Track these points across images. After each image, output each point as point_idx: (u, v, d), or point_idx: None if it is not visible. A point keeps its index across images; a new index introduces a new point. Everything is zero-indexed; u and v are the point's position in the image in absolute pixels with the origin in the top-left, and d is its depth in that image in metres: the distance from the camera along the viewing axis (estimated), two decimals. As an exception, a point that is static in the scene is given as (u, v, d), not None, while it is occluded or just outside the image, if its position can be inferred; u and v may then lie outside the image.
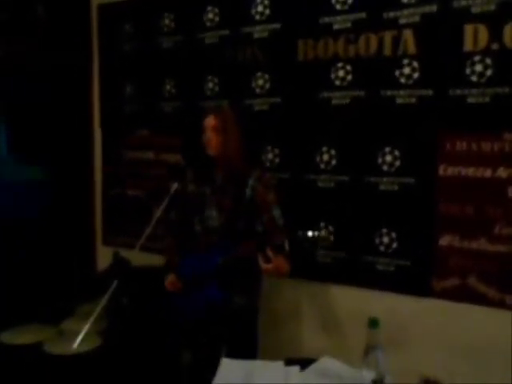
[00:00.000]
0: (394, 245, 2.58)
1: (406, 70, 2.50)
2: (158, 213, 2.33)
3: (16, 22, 3.42)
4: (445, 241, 2.44)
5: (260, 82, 2.96)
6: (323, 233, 2.08)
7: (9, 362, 2.54)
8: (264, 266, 2.05)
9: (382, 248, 2.61)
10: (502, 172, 2.29)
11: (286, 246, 2.00)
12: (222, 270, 2.23)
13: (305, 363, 1.79)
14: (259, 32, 2.94)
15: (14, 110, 3.49)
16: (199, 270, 2.28)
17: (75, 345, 1.97)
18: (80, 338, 1.97)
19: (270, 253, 2.02)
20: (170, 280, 2.38)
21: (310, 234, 1.98)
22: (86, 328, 1.98)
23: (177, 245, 2.51)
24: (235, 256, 2.21)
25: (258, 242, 2.13)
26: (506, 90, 2.26)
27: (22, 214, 3.43)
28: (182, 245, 2.47)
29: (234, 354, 1.90)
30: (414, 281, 2.54)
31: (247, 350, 2.23)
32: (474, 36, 2.31)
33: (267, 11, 2.90)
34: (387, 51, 2.54)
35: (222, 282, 2.25)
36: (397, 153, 2.55)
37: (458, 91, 2.37)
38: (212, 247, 2.30)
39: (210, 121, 2.33)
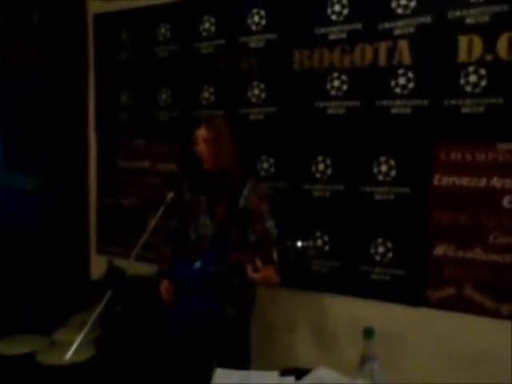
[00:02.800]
0: (390, 254, 2.58)
1: (401, 81, 2.51)
2: (154, 222, 2.32)
3: (11, 30, 3.42)
4: (440, 250, 2.44)
5: (256, 91, 2.97)
6: (312, 242, 2.06)
7: (1, 373, 2.51)
8: (252, 275, 2.02)
9: (377, 257, 2.61)
10: (496, 182, 2.30)
11: (275, 256, 1.97)
12: (213, 279, 2.22)
13: (300, 373, 1.78)
14: (255, 42, 2.95)
15: (8, 118, 3.48)
16: (191, 277, 2.27)
17: (68, 355, 1.94)
18: (73, 348, 1.95)
19: (258, 263, 2.00)
20: (164, 287, 2.37)
21: (298, 244, 1.96)
22: (79, 338, 1.96)
23: (172, 253, 2.50)
24: (227, 265, 2.20)
25: (252, 252, 2.12)
26: (500, 100, 2.28)
27: (15, 223, 3.41)
28: (178, 253, 2.46)
29: (226, 365, 1.87)
30: (409, 290, 2.53)
31: (238, 361, 2.20)
32: (469, 47, 2.33)
33: (263, 21, 2.92)
34: (382, 62, 2.55)
35: (213, 291, 2.23)
36: (392, 162, 2.56)
37: (453, 101, 2.38)
38: (203, 256, 2.29)
39: (202, 132, 2.32)
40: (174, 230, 2.52)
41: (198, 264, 2.24)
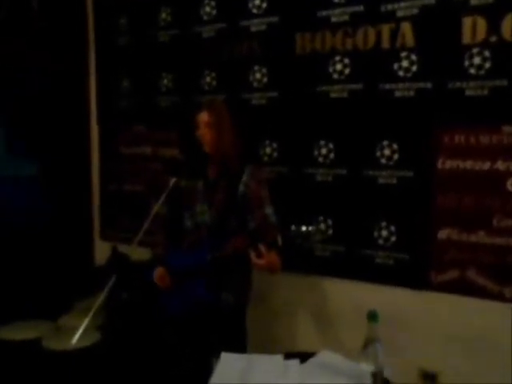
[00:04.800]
0: (393, 238, 2.58)
1: (405, 63, 2.49)
2: (156, 207, 2.32)
3: (11, 17, 3.40)
4: (443, 234, 2.44)
5: (257, 75, 2.94)
6: (316, 227, 2.04)
7: (7, 358, 2.53)
8: (256, 261, 2.01)
9: (380, 241, 2.61)
10: (500, 165, 2.29)
11: (280, 241, 1.97)
12: (210, 267, 2.21)
13: (304, 357, 1.79)
14: (257, 25, 2.92)
15: (10, 106, 3.47)
16: (188, 265, 2.26)
17: (74, 340, 1.95)
18: (78, 333, 1.96)
19: (262, 248, 1.98)
20: (159, 274, 2.35)
21: (303, 228, 1.96)
22: (84, 323, 1.97)
23: (166, 240, 2.49)
24: (225, 253, 2.19)
25: (250, 239, 2.12)
26: (505, 82, 2.26)
27: (19, 210, 3.42)
28: (172, 240, 2.46)
29: (223, 350, 1.87)
30: (412, 274, 2.54)
31: (235, 346, 2.20)
32: (473, 28, 2.30)
33: (264, 4, 2.89)
34: (385, 44, 2.53)
35: (210, 280, 2.23)
36: (395, 146, 2.54)
37: (457, 84, 2.36)
38: (202, 243, 2.29)
39: (203, 116, 2.31)
40: (168, 215, 2.50)
41: (208, 257, 2.23)
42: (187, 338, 2.36)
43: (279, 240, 1.98)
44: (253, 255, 2.01)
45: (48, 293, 3.15)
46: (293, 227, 1.98)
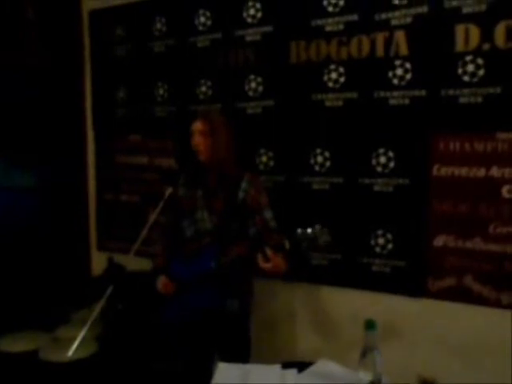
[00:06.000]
0: (390, 246, 2.58)
1: (399, 71, 2.50)
2: (153, 217, 2.32)
3: (7, 25, 3.41)
4: (440, 241, 2.44)
5: (253, 84, 2.96)
6: (321, 229, 2.05)
7: (3, 370, 2.52)
8: (263, 265, 2.03)
9: (377, 249, 2.61)
10: (495, 172, 2.30)
11: (287, 245, 2.00)
12: (215, 274, 2.22)
13: (302, 366, 1.78)
14: (251, 35, 2.94)
15: (5, 115, 3.47)
16: (191, 273, 2.27)
17: (71, 352, 1.95)
18: (76, 344, 1.96)
19: (269, 252, 2.01)
20: (162, 282, 2.36)
21: (308, 231, 1.98)
22: (81, 334, 1.97)
23: (167, 249, 2.49)
24: (228, 258, 2.20)
25: (252, 244, 2.13)
26: (498, 89, 2.27)
27: (15, 221, 3.41)
28: (173, 249, 2.46)
29: (227, 359, 1.89)
30: (409, 281, 2.54)
31: (240, 354, 2.22)
32: (466, 36, 2.32)
33: (259, 14, 2.90)
34: (379, 53, 2.54)
35: (215, 286, 2.24)
36: (390, 154, 2.55)
37: (451, 91, 2.38)
38: (203, 250, 2.30)
39: (197, 125, 2.33)
40: (167, 225, 2.51)
41: (213, 264, 2.23)
42: (191, 346, 2.36)
43: (286, 244, 2.00)
44: (260, 259, 2.02)
45: (45, 304, 3.13)
46: (298, 230, 2.01)
